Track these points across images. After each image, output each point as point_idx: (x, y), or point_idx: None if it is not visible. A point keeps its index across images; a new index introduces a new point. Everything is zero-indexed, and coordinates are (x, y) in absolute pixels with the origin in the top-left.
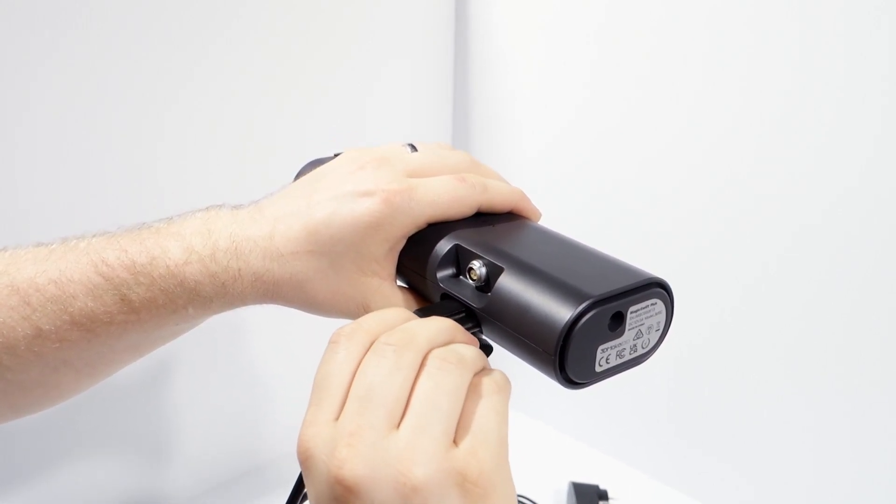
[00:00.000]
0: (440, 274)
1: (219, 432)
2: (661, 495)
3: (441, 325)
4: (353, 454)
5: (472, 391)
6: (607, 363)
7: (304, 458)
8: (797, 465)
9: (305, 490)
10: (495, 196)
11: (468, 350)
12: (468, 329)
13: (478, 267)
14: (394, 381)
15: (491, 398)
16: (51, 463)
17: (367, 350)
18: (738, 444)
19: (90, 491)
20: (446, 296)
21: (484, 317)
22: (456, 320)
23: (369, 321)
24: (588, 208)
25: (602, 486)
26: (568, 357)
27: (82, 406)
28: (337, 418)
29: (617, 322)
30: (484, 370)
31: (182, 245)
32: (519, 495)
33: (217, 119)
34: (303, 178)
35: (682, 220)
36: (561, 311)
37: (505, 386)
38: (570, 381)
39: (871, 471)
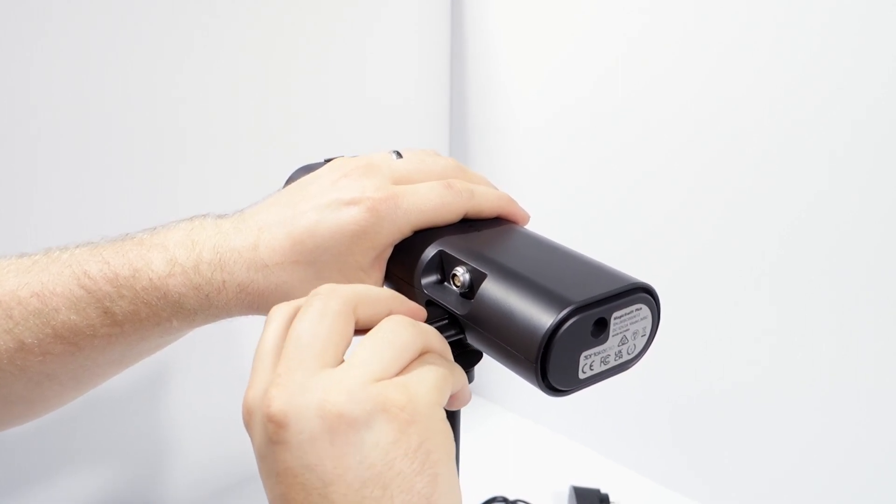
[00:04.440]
0: (424, 280)
1: (217, 438)
2: (663, 499)
3: (371, 286)
4: (280, 391)
5: (420, 359)
6: (591, 370)
7: (246, 419)
8: (799, 468)
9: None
10: (482, 202)
11: (427, 326)
12: (451, 336)
13: (461, 273)
14: (320, 326)
15: (436, 366)
16: (50, 471)
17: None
18: (739, 448)
19: (90, 499)
20: (431, 303)
21: (467, 323)
22: (439, 327)
23: (322, 287)
24: (584, 208)
25: (603, 490)
26: (550, 364)
27: (81, 414)
28: None
29: (600, 328)
30: (444, 356)
31: (165, 257)
32: (520, 499)
33: (209, 120)
34: (287, 188)
35: (680, 222)
36: (542, 318)
37: (456, 371)
38: (553, 389)
39: (872, 473)
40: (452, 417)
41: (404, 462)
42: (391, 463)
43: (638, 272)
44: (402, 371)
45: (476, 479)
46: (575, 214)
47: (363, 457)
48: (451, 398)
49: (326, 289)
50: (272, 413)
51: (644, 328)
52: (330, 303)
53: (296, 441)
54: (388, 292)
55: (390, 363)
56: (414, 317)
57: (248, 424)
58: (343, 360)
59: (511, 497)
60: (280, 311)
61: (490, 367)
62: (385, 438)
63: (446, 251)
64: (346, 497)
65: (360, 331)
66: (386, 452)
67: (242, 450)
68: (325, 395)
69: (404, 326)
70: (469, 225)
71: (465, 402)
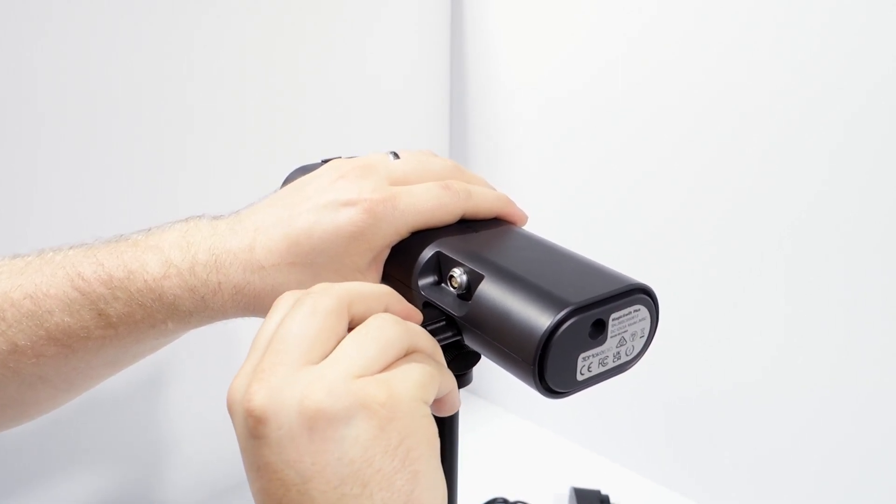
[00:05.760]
0: (421, 282)
1: (216, 440)
2: (663, 500)
3: (366, 284)
4: (261, 386)
5: (407, 358)
6: (589, 371)
7: (229, 409)
8: (799, 468)
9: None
10: (480, 202)
11: (417, 326)
12: (448, 337)
13: (458, 274)
14: (310, 324)
15: (423, 365)
16: (50, 472)
17: None
18: (740, 449)
19: (90, 500)
20: (428, 304)
21: (464, 325)
22: (436, 328)
23: (317, 285)
24: (583, 209)
25: (604, 492)
26: (547, 366)
27: (81, 415)
28: None
29: (598, 329)
30: (433, 357)
31: (160, 258)
32: (520, 500)
33: (208, 120)
34: (284, 189)
35: (679, 223)
36: (539, 319)
37: (445, 373)
38: (551, 391)
39: (872, 474)
40: (450, 421)
41: (384, 459)
42: (371, 460)
43: (637, 273)
44: (387, 369)
45: (477, 481)
46: (575, 214)
47: (342, 453)
48: (439, 403)
49: (320, 287)
50: (252, 408)
51: (643, 329)
52: (322, 301)
53: (275, 437)
54: (384, 289)
55: (373, 360)
56: (408, 314)
57: (231, 414)
58: None
59: (511, 498)
60: (285, 302)
61: (490, 368)
62: (364, 435)
63: (443, 252)
64: (324, 494)
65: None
66: (365, 449)
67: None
68: (305, 391)
69: (390, 324)
70: (466, 226)
71: (454, 410)
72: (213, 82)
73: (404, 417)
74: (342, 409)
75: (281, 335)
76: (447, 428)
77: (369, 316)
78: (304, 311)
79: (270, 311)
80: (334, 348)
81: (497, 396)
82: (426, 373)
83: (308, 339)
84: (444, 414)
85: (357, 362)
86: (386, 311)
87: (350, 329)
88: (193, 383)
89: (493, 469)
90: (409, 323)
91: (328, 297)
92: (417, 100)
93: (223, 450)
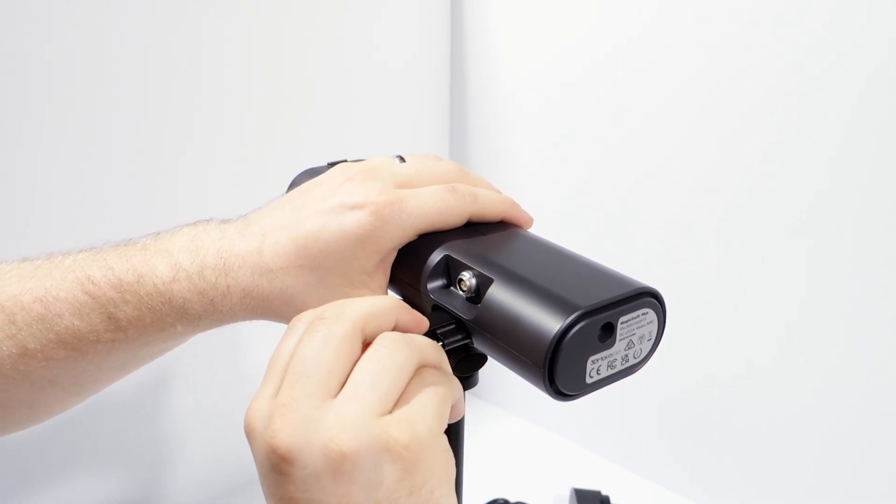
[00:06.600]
0: (430, 285)
1: (221, 442)
2: (663, 501)
3: (377, 300)
4: (285, 423)
5: (418, 377)
6: (598, 374)
7: (248, 433)
8: (800, 469)
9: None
10: (486, 205)
11: (422, 339)
12: (457, 340)
13: (468, 278)
14: (325, 353)
15: (435, 386)
16: (54, 474)
17: None
18: (741, 449)
19: (93, 502)
20: (437, 307)
21: (474, 328)
22: (445, 332)
23: (329, 307)
24: (585, 209)
25: (604, 493)
26: (557, 369)
27: (85, 417)
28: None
29: (607, 333)
30: (440, 367)
31: (169, 262)
32: (521, 501)
33: (209, 122)
34: (291, 192)
35: (680, 223)
36: (549, 323)
37: (453, 384)
38: (560, 393)
39: (871, 474)
40: (455, 426)
41: (409, 500)
42: (395, 501)
43: (637, 273)
44: (403, 395)
45: (477, 482)
46: (574, 215)
47: (367, 495)
48: None
49: (333, 312)
50: (276, 446)
51: (650, 332)
52: (335, 327)
53: (300, 476)
54: (393, 302)
55: (389, 390)
56: (417, 324)
57: (249, 439)
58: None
59: (512, 499)
60: (301, 324)
61: (492, 369)
62: (390, 478)
63: (452, 256)
64: None
65: (369, 344)
66: (391, 491)
67: (245, 453)
68: (330, 434)
69: (399, 346)
70: (473, 229)
71: (459, 416)
72: (213, 82)
73: (427, 457)
74: (367, 452)
75: (297, 364)
76: (452, 434)
77: (382, 331)
78: (319, 338)
79: (286, 331)
80: (350, 372)
81: (498, 397)
82: (439, 397)
83: (324, 369)
84: (450, 421)
85: (376, 396)
86: (396, 324)
87: (364, 342)
88: (199, 385)
89: (494, 470)
90: (413, 338)
91: (342, 322)
92: (417, 100)
93: (228, 451)
